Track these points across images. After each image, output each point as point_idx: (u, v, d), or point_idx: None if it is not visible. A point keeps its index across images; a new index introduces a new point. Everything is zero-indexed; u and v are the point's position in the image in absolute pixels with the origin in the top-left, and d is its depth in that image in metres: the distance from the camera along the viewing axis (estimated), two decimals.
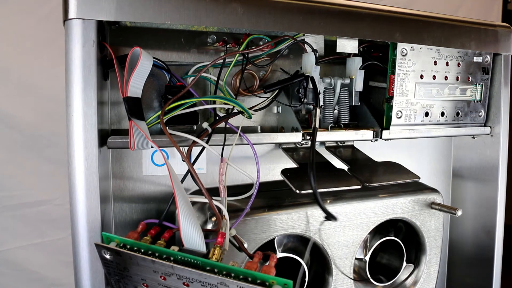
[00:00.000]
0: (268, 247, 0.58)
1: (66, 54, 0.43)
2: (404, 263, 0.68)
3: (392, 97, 0.61)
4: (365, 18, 0.55)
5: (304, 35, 0.57)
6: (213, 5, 0.47)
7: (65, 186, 0.46)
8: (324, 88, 0.61)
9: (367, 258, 0.66)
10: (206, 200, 0.47)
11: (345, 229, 0.61)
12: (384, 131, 0.62)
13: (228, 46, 0.58)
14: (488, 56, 0.68)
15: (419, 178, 0.61)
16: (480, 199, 0.74)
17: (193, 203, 0.53)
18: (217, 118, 0.54)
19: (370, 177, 0.59)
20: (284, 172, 0.57)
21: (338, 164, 0.63)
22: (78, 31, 0.43)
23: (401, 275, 0.70)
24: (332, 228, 0.60)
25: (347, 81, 0.61)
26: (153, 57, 0.49)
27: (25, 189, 0.96)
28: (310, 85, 0.56)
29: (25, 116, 0.94)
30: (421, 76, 0.62)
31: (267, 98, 0.61)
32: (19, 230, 0.97)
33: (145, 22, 0.47)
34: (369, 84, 0.67)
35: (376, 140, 0.63)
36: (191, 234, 0.44)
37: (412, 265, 0.70)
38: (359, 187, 0.56)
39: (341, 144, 0.69)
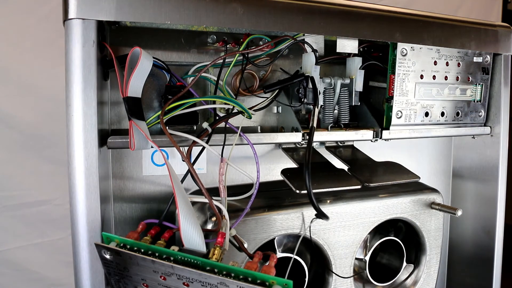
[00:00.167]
0: (268, 247, 0.58)
1: (66, 54, 0.43)
2: (404, 263, 0.68)
3: (392, 97, 0.61)
4: (365, 18, 0.55)
5: (304, 35, 0.57)
6: (213, 5, 0.47)
7: (65, 186, 0.46)
8: (324, 88, 0.61)
9: (367, 258, 0.66)
10: (206, 200, 0.47)
11: (345, 229, 0.61)
12: (384, 131, 0.62)
13: (228, 46, 0.58)
14: (488, 56, 0.68)
15: (419, 178, 0.62)
16: (480, 199, 0.74)
17: (193, 203, 0.53)
18: (217, 118, 0.54)
19: (370, 177, 0.59)
20: (284, 172, 0.57)
21: (338, 164, 0.63)
22: (78, 31, 0.43)
23: (401, 275, 0.70)
24: (332, 228, 0.60)
25: (347, 81, 0.61)
26: (153, 57, 0.49)
27: (25, 189, 0.96)
28: (310, 85, 0.56)
29: (25, 116, 0.93)
30: (421, 76, 0.62)
31: (267, 98, 0.61)
32: (19, 230, 0.97)
33: (145, 22, 0.47)
34: (369, 84, 0.67)
35: (376, 140, 0.63)
36: (191, 234, 0.44)
37: (412, 265, 0.70)
38: (359, 187, 0.56)
39: (341, 144, 0.69)
